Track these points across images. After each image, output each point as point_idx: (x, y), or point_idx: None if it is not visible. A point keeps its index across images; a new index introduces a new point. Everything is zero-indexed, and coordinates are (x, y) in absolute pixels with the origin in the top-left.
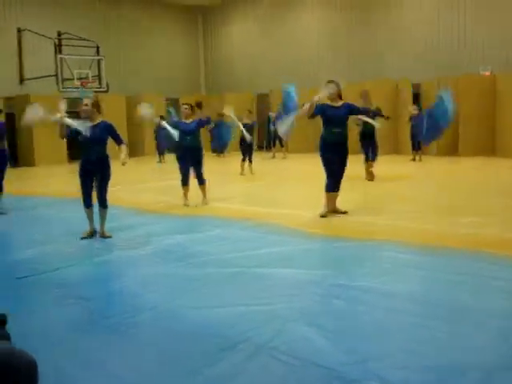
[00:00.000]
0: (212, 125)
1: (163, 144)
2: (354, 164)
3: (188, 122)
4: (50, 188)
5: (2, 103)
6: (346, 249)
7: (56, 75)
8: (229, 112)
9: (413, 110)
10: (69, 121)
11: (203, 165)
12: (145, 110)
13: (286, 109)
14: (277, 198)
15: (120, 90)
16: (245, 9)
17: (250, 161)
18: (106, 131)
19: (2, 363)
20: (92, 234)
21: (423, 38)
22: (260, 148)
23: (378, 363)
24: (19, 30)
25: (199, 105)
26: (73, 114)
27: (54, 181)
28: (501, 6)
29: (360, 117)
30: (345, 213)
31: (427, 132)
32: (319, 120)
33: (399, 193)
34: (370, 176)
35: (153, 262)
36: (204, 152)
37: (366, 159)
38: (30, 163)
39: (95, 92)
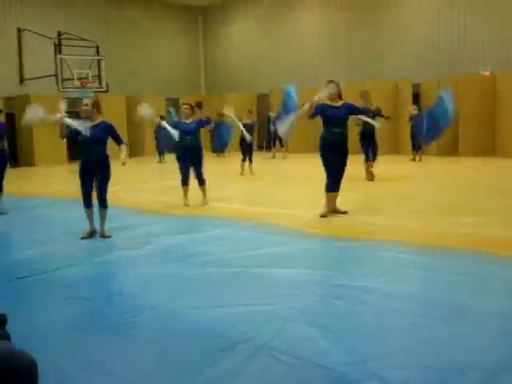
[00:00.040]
0: (212, 125)
1: (163, 144)
2: (354, 164)
3: (188, 122)
4: (49, 188)
5: (2, 103)
6: (346, 249)
7: (56, 75)
8: (229, 112)
9: (413, 110)
10: (69, 121)
11: (203, 165)
12: (145, 110)
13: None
14: (277, 198)
15: (120, 90)
16: (245, 9)
17: (250, 161)
18: (106, 131)
19: (2, 363)
20: (92, 234)
21: (423, 37)
22: (260, 148)
23: (378, 363)
24: (19, 30)
25: (199, 105)
26: (73, 114)
27: (53, 181)
28: (501, 5)
29: (360, 117)
30: (345, 213)
31: (427, 132)
32: (319, 120)
33: (399, 193)
34: (370, 176)
35: (153, 262)
36: (204, 152)
37: (366, 159)
38: (30, 163)
39: (95, 92)
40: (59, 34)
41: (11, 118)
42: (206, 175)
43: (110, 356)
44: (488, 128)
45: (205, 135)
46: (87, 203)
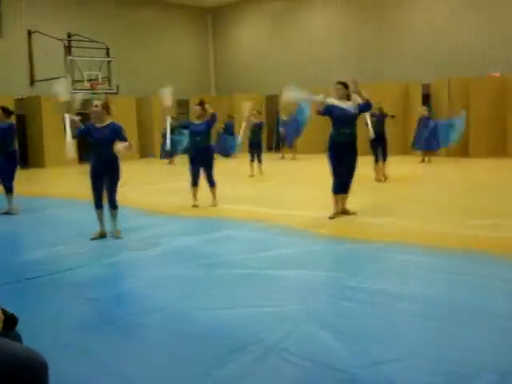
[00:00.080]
0: (223, 126)
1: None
2: (363, 165)
3: (198, 122)
4: (60, 189)
5: (13, 105)
6: (356, 250)
7: (66, 77)
8: (248, 108)
9: (422, 111)
10: (67, 122)
11: (214, 166)
12: (166, 94)
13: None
14: (286, 199)
15: (130, 92)
16: (254, 10)
17: (260, 161)
18: (115, 133)
19: (13, 364)
20: (102, 235)
21: (434, 38)
22: (269, 149)
23: (390, 366)
24: (29, 32)
25: (202, 104)
26: (83, 115)
27: (63, 182)
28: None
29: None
30: (354, 214)
31: (428, 139)
32: (328, 121)
33: (408, 194)
34: (383, 177)
35: (162, 263)
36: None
37: (376, 160)
38: (40, 164)
39: (105, 94)
40: (69, 36)
41: (22, 119)
42: (215, 176)
43: (119, 357)
44: (498, 129)
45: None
46: (98, 204)
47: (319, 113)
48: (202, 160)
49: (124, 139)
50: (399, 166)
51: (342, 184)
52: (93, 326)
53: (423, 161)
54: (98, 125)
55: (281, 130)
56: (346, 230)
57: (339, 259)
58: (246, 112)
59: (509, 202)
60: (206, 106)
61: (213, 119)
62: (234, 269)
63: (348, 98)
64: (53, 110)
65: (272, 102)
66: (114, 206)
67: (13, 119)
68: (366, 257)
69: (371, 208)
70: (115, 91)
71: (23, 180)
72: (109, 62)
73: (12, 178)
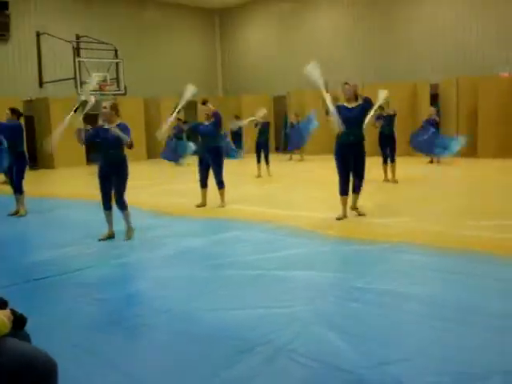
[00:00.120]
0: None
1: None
2: (371, 166)
3: (206, 123)
4: (68, 190)
5: (21, 106)
6: (363, 251)
7: (75, 78)
8: (262, 113)
9: (430, 111)
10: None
11: (223, 168)
12: (189, 91)
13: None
14: (294, 200)
15: (138, 93)
16: (262, 11)
17: (267, 162)
18: (122, 132)
19: (22, 364)
20: (110, 236)
21: (442, 38)
22: (277, 150)
23: (397, 366)
24: (38, 34)
25: (204, 103)
26: (91, 117)
27: (72, 183)
28: None
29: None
30: (363, 215)
31: (427, 143)
32: None
33: (416, 194)
34: (394, 181)
35: (170, 263)
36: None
37: (385, 161)
38: (49, 165)
39: (113, 95)
40: (78, 38)
41: (30, 120)
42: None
43: (127, 357)
44: (507, 129)
45: None
46: (106, 205)
47: (326, 112)
48: (211, 160)
49: (127, 136)
50: (407, 166)
51: (346, 185)
52: (101, 327)
53: (431, 161)
54: (107, 126)
55: (288, 131)
56: (354, 230)
57: (347, 260)
58: (258, 117)
59: None
60: (209, 104)
61: (216, 118)
62: (242, 270)
63: (356, 98)
64: (71, 122)
65: (279, 102)
66: (122, 207)
67: (22, 121)
68: (373, 257)
69: (379, 208)
70: (123, 92)
71: (32, 181)
72: (117, 64)
73: (22, 178)
